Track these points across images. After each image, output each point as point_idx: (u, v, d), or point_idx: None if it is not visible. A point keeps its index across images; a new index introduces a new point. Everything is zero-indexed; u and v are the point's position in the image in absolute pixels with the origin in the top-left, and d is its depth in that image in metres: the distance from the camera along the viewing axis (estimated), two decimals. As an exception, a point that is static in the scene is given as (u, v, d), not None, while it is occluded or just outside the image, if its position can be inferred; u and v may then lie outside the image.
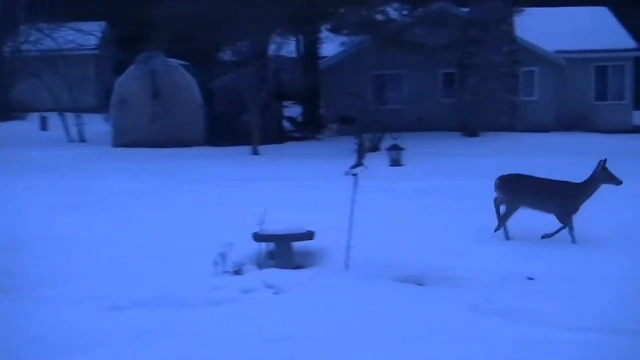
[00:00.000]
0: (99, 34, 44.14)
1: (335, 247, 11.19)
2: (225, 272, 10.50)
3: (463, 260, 11.02)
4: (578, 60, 37.67)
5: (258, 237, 11.16)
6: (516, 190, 12.94)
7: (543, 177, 13.32)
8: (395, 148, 25.52)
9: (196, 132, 32.87)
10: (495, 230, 12.83)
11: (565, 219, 12.49)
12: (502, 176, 13.18)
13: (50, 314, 8.91)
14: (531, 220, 13.48)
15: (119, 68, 36.79)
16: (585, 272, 10.45)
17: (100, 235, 13.28)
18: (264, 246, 11.24)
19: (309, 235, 11.24)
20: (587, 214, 12.79)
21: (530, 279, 10.21)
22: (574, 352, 7.69)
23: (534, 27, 36.57)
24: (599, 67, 38.56)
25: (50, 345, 7.85)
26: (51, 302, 9.36)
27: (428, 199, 17.56)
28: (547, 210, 12.75)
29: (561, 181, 12.96)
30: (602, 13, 41.22)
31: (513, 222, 13.05)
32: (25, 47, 37.89)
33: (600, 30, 39.24)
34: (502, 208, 12.99)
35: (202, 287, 9.88)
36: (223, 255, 10.53)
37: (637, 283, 9.93)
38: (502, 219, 12.85)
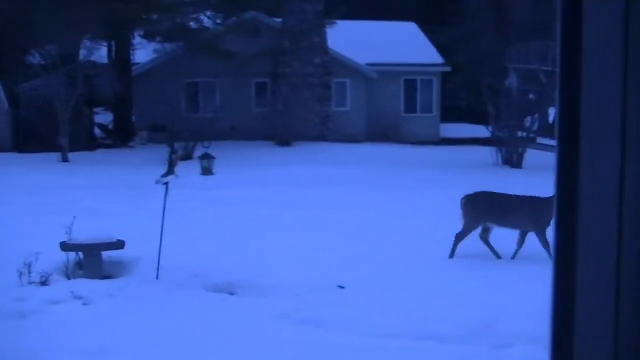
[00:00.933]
0: None
1: (146, 256, 11.05)
2: (31, 282, 10.16)
3: (274, 269, 11.11)
4: (388, 73, 38.59)
5: (65, 247, 10.87)
6: (480, 209, 12.71)
7: (509, 193, 13.15)
8: (206, 157, 25.42)
9: (1, 137, 31.69)
10: (454, 245, 12.55)
11: (540, 236, 12.28)
12: (468, 195, 12.93)
13: None
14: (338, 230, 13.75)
15: None
16: (393, 281, 10.74)
17: None
18: (72, 256, 10.96)
19: (119, 245, 11.05)
20: (388, 224, 13.11)
21: (341, 287, 10.38)
22: (383, 358, 7.89)
23: (346, 40, 37.24)
24: (408, 80, 39.66)
25: None
26: None
27: (239, 207, 17.59)
28: (518, 226, 12.49)
29: (529, 196, 12.77)
30: (411, 28, 42.46)
31: (319, 232, 13.24)
32: None
33: (409, 45, 40.35)
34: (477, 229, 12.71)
35: (5, 299, 9.54)
36: (28, 266, 10.18)
37: (439, 290, 10.27)
38: (458, 236, 12.55)
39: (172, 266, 10.68)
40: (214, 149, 26.23)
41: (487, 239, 12.68)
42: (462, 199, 12.92)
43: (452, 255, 12.51)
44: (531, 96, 32.50)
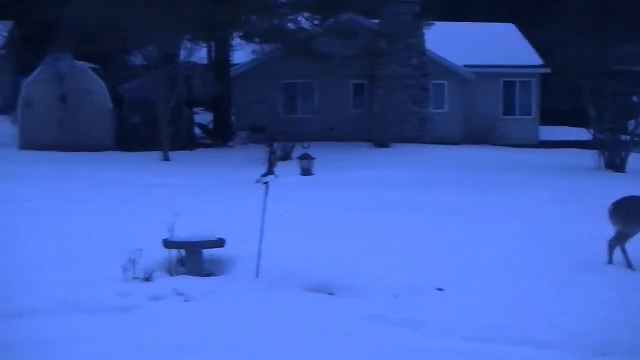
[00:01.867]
0: (4, 34, 43.16)
1: (246, 255, 11.15)
2: (135, 278, 10.37)
3: (372, 270, 11.07)
4: (487, 75, 38.24)
5: (168, 244, 11.04)
6: (632, 215, 12.12)
7: None
8: (306, 157, 25.56)
9: (105, 137, 32.38)
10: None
11: None
12: (616, 202, 12.31)
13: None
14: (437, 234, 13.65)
15: (25, 69, 36.01)
16: (491, 284, 10.62)
17: (2, 241, 12.97)
18: (174, 253, 11.13)
19: (220, 243, 11.17)
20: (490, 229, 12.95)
21: (440, 290, 10.30)
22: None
23: (444, 41, 37.05)
24: (507, 82, 39.25)
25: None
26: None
27: (338, 209, 17.61)
28: None
29: None
30: (510, 30, 42.04)
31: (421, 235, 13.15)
32: None
33: (508, 47, 39.94)
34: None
35: (110, 294, 9.73)
36: (133, 262, 10.39)
37: (538, 295, 10.12)
38: (615, 244, 12.02)
39: (272, 265, 10.75)
40: (312, 150, 26.36)
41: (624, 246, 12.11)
42: (610, 206, 12.31)
43: (610, 261, 12.06)
44: (635, 99, 31.76)
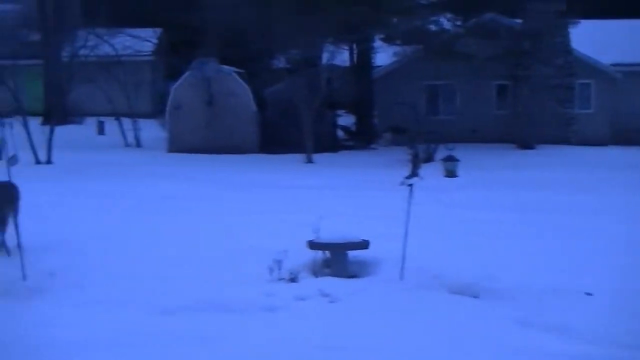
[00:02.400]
0: (154, 41, 44.52)
1: (389, 257, 11.14)
2: (281, 279, 10.54)
3: (515, 273, 10.92)
4: (636, 73, 37.20)
5: (313, 245, 11.17)
6: None
7: None
8: (450, 159, 25.40)
9: (250, 139, 33.01)
10: None
11: None
12: None
13: (98, 316, 9.02)
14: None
15: (173, 74, 37.09)
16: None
17: (152, 240, 13.39)
18: (319, 254, 11.25)
19: (364, 245, 11.22)
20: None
21: (589, 294, 10.04)
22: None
23: (590, 39, 36.19)
24: (657, 80, 38.08)
25: (93, 345, 7.96)
26: (100, 304, 9.47)
27: (483, 210, 17.46)
28: None
29: None
30: (660, 26, 40.74)
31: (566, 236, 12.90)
32: (83, 52, 38.31)
33: (657, 43, 38.78)
34: None
35: (256, 294, 9.89)
36: (279, 262, 10.57)
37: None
38: None
39: (416, 267, 10.70)
40: (455, 152, 26.18)
41: None
42: None
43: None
44: None
